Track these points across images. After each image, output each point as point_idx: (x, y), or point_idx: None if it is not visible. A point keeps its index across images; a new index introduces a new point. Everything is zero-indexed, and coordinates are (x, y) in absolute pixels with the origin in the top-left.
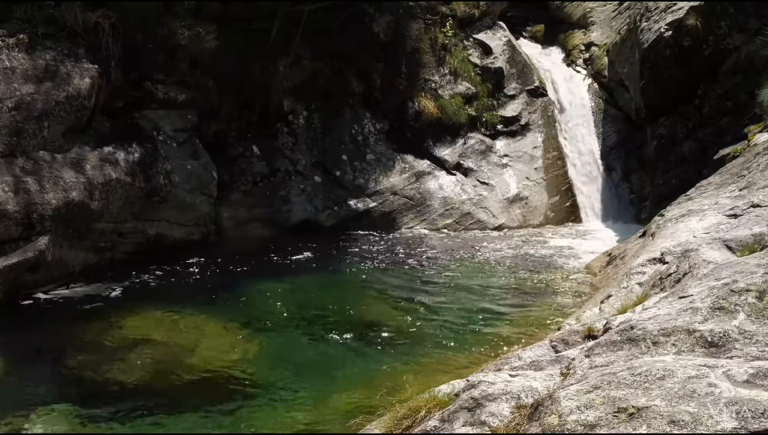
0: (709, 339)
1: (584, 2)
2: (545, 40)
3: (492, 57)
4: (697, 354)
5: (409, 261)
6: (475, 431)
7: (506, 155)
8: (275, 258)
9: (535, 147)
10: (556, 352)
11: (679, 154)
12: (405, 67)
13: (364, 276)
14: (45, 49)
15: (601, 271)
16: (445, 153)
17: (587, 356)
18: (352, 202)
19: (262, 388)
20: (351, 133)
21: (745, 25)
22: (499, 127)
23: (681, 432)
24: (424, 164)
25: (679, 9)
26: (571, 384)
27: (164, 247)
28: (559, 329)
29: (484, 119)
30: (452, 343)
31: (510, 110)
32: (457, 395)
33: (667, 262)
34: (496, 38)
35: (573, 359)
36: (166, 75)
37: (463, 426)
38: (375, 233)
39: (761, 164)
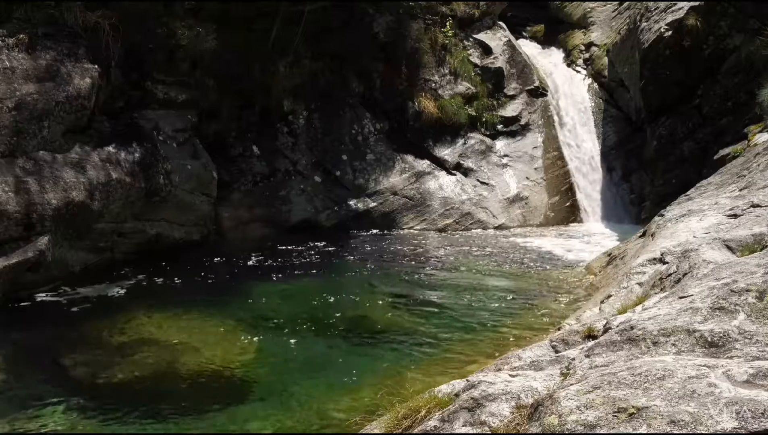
0: (709, 339)
1: (584, 2)
2: (545, 40)
3: (492, 57)
4: (697, 354)
5: (409, 261)
6: (475, 431)
7: (506, 155)
8: (275, 258)
9: (535, 147)
10: (556, 352)
11: (679, 154)
12: (405, 67)
13: (363, 276)
14: (45, 49)
15: (601, 271)
16: (445, 153)
17: (587, 356)
18: (352, 202)
19: (262, 388)
20: (351, 133)
21: (745, 25)
22: (499, 127)
23: (681, 432)
24: (424, 164)
25: (679, 9)
26: (571, 384)
27: (164, 247)
28: (559, 329)
29: (484, 119)
30: (452, 343)
31: (510, 110)
32: (457, 395)
33: (667, 262)
34: (496, 38)
35: (573, 359)
36: (166, 75)
37: (463, 426)
38: (375, 233)
39: (761, 164)
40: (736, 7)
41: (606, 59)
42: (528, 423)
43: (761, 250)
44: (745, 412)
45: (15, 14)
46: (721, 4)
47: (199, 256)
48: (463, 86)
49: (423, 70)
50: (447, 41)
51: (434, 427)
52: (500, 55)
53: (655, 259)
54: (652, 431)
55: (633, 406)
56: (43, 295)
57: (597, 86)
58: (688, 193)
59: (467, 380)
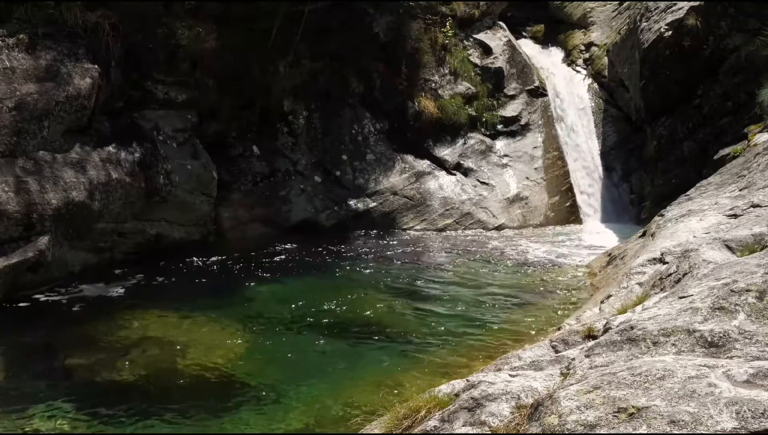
0: (709, 339)
1: (584, 2)
2: (545, 40)
3: (492, 57)
4: (697, 354)
5: (409, 261)
6: (475, 431)
7: (506, 155)
8: (275, 258)
9: (535, 147)
10: (556, 352)
11: (679, 154)
12: (405, 67)
13: (363, 276)
14: (45, 49)
15: (601, 271)
16: (445, 153)
17: (587, 356)
18: (352, 202)
19: (262, 388)
20: (351, 133)
21: (745, 25)
22: (499, 127)
23: (681, 432)
24: (424, 164)
25: (679, 9)
26: (571, 384)
27: (164, 247)
28: (559, 329)
29: (484, 119)
30: (452, 343)
31: (510, 110)
32: (457, 395)
33: (667, 262)
34: (496, 38)
35: (573, 359)
36: (166, 75)
37: (463, 426)
38: (375, 233)
39: (761, 164)
40: (736, 7)
41: (606, 59)
42: (528, 423)
43: (761, 250)
44: (745, 412)
45: (15, 14)
46: (721, 4)
47: (199, 256)
48: (463, 86)
49: (423, 70)
50: (447, 41)
51: (434, 427)
52: (500, 55)
53: (655, 259)
54: (652, 431)
55: (633, 406)
56: (43, 295)
57: (597, 86)
58: (688, 193)
59: (467, 380)
